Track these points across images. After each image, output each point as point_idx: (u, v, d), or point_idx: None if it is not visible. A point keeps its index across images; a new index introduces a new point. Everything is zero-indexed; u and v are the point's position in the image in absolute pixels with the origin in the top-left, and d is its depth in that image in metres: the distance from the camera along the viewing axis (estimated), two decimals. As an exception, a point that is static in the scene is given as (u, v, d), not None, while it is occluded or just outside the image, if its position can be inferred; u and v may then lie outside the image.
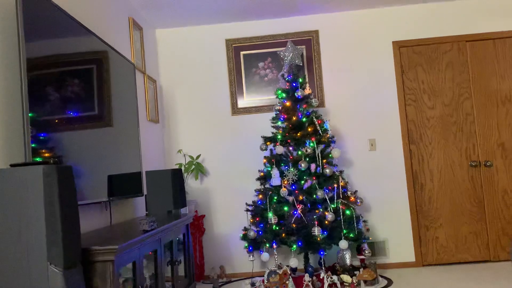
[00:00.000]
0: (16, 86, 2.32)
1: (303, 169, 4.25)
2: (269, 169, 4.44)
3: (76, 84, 2.72)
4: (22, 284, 1.79)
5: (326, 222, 4.12)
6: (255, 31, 5.05)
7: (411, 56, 4.93)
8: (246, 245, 4.36)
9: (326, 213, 4.12)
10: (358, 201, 4.37)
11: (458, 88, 4.88)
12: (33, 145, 2.18)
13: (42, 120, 2.29)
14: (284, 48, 4.63)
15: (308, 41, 5.00)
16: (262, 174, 4.50)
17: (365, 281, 4.11)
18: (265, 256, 4.28)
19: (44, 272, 1.78)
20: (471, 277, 4.23)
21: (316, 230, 4.06)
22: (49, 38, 2.45)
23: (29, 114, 2.17)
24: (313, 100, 4.52)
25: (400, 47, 4.94)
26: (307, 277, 4.09)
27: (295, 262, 4.19)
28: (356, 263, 4.66)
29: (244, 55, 5.05)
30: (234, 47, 5.05)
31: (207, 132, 5.05)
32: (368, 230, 4.53)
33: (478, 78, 4.88)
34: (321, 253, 4.18)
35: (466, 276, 4.26)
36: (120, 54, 3.48)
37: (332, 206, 4.21)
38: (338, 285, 4.00)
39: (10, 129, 2.25)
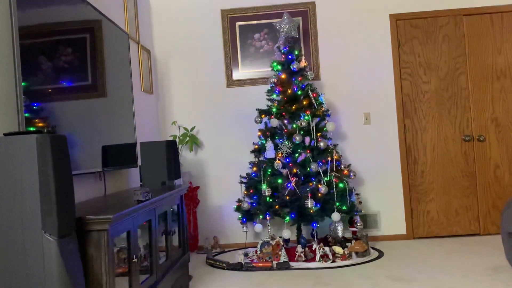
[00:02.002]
0: (9, 55, 2.29)
1: (297, 142, 4.26)
2: (264, 142, 4.45)
3: (69, 54, 2.69)
4: (16, 253, 1.81)
5: (319, 194, 4.16)
6: (251, 2, 4.98)
7: (408, 29, 4.90)
8: (240, 216, 4.40)
9: (320, 186, 4.15)
10: (352, 174, 4.41)
11: (454, 62, 4.87)
12: (26, 115, 2.17)
13: (35, 90, 2.28)
14: (280, 20, 4.58)
15: (304, 13, 4.95)
16: (256, 146, 4.52)
17: (356, 253, 4.17)
18: (258, 227, 4.33)
19: (38, 240, 1.80)
20: (461, 249, 4.30)
21: (309, 203, 4.10)
22: (41, 6, 2.41)
23: (22, 84, 2.15)
24: (308, 73, 4.50)
25: (397, 20, 4.90)
26: (299, 248, 4.15)
27: (288, 233, 4.24)
28: (348, 235, 4.72)
29: (239, 26, 4.99)
30: (230, 18, 4.99)
31: (201, 104, 5.03)
32: (360, 203, 4.58)
33: (474, 53, 4.86)
34: (314, 225, 4.23)
35: (456, 249, 4.34)
36: (113, 24, 3.43)
37: (326, 179, 4.24)
38: (330, 256, 4.07)
39: (3, 98, 2.23)
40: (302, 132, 4.34)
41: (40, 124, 2.29)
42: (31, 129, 2.20)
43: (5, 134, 1.85)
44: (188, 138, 4.89)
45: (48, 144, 1.80)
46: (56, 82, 2.50)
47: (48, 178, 1.80)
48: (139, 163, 4.12)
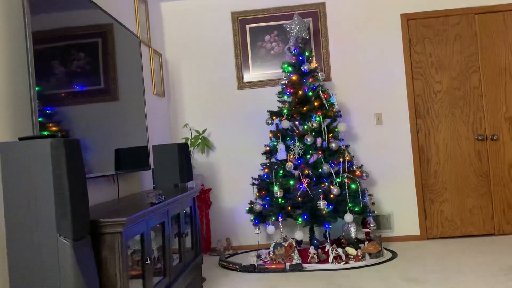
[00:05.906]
0: (23, 61, 2.32)
1: (309, 143, 4.26)
2: (275, 143, 4.45)
3: (82, 58, 2.72)
4: (32, 255, 1.83)
5: (332, 195, 4.15)
6: (261, 4, 4.99)
7: (419, 29, 4.87)
8: (252, 218, 4.40)
9: (332, 187, 4.14)
10: (364, 175, 4.39)
11: (466, 61, 4.83)
12: (40, 119, 2.20)
13: (48, 94, 2.30)
14: (290, 21, 4.58)
15: (314, 14, 4.94)
16: (268, 148, 4.52)
17: (369, 254, 4.15)
18: (270, 229, 4.32)
19: (53, 243, 1.82)
20: (475, 250, 4.26)
21: (322, 204, 4.09)
22: (54, 11, 2.43)
23: (36, 88, 2.18)
24: (319, 74, 4.49)
25: (408, 19, 4.87)
26: (312, 250, 4.14)
27: (300, 235, 4.23)
28: (361, 236, 4.71)
29: (250, 28, 5.00)
30: (240, 20, 5.00)
31: (213, 107, 5.04)
32: (373, 203, 4.56)
33: (487, 51, 4.82)
34: (326, 226, 4.21)
35: (470, 249, 4.30)
36: (125, 28, 3.46)
37: (338, 180, 4.23)
38: (343, 257, 4.05)
39: (18, 103, 2.26)
40: (313, 133, 4.34)
41: (53, 128, 2.32)
42: (45, 133, 2.23)
43: (19, 139, 1.88)
44: (199, 141, 4.91)
45: (62, 148, 1.82)
46: (69, 87, 2.53)
47: (62, 181, 1.82)
48: (152, 165, 4.15)
